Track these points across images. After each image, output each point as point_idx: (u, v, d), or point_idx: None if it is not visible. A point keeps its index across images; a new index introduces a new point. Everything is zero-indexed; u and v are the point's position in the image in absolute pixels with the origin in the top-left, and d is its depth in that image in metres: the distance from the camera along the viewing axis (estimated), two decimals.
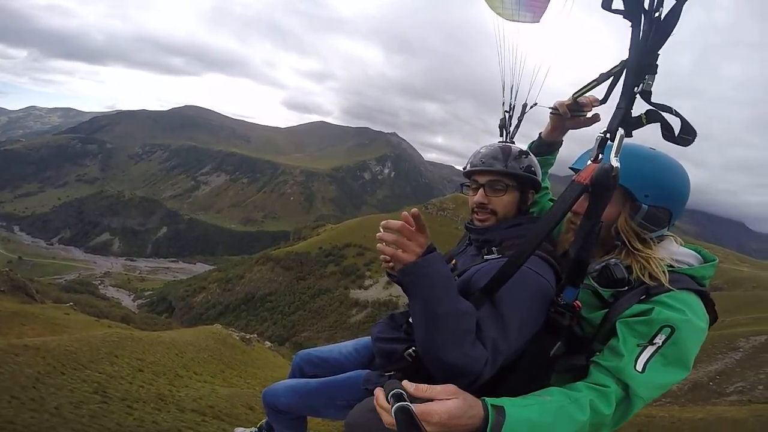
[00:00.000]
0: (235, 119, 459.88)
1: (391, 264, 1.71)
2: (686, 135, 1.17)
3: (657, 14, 1.09)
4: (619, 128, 1.16)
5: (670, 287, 1.23)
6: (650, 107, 1.19)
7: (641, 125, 1.19)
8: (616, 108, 1.20)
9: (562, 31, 1.91)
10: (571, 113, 1.67)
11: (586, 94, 1.60)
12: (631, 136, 1.19)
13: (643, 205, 1.34)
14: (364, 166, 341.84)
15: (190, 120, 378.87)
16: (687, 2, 1.06)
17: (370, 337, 1.89)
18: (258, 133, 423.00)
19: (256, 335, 27.18)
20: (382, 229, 1.17)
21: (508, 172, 1.58)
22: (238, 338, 21.19)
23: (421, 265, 1.14)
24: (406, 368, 1.47)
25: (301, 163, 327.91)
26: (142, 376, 8.36)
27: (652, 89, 1.16)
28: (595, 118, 1.67)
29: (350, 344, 2.06)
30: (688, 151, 1.40)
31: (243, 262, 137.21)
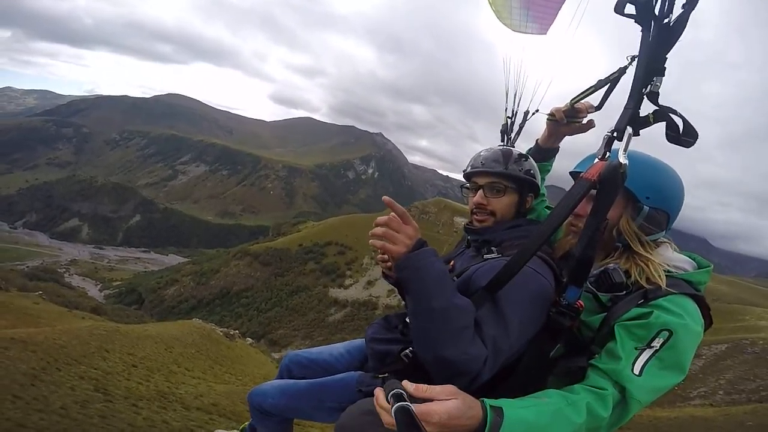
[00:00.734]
0: (220, 110, 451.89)
1: (389, 264, 1.72)
2: (688, 137, 1.19)
3: (666, 20, 1.11)
4: (628, 127, 1.17)
5: (669, 291, 1.24)
6: (657, 108, 1.21)
7: (649, 124, 1.22)
8: (624, 108, 1.22)
9: (567, 43, 1.94)
10: (567, 119, 1.69)
11: (582, 101, 1.63)
12: (638, 135, 1.22)
13: (645, 206, 1.38)
14: (348, 164, 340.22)
15: (172, 108, 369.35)
16: (693, 12, 1.08)
17: (362, 340, 1.86)
18: (242, 126, 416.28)
19: (238, 332, 26.98)
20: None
21: (508, 174, 1.60)
22: (221, 333, 21.55)
23: (414, 258, 1.15)
24: (401, 370, 1.44)
25: (283, 158, 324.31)
26: (137, 372, 8.27)
27: (659, 91, 1.18)
28: (590, 125, 1.70)
29: (341, 346, 2.00)
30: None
31: (219, 255, 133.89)
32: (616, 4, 1.20)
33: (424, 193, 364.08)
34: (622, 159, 1.13)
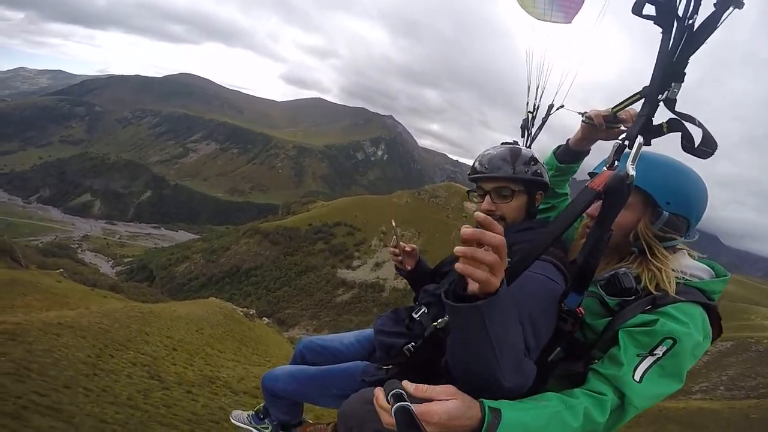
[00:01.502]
0: (231, 89, 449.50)
1: (400, 258, 1.84)
2: (706, 147, 1.14)
3: (691, 21, 1.07)
4: (639, 136, 1.13)
5: (677, 298, 1.23)
6: (673, 116, 1.17)
7: (662, 134, 1.18)
8: (638, 115, 1.18)
9: (593, 33, 1.88)
10: (607, 125, 1.56)
11: (627, 109, 1.50)
12: (650, 145, 1.18)
13: (664, 211, 1.34)
14: (357, 145, 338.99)
15: (183, 87, 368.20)
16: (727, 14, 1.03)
17: (372, 330, 1.86)
18: (253, 105, 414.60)
19: (254, 311, 27.26)
20: (461, 242, 0.95)
21: (515, 178, 1.55)
22: (242, 314, 21.81)
23: (504, 296, 1.01)
24: (404, 363, 1.46)
25: (294, 137, 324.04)
26: (179, 356, 8.51)
27: (677, 98, 1.14)
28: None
29: (353, 335, 2.03)
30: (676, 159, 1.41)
31: (229, 233, 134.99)
32: (634, 5, 1.16)
33: (433, 177, 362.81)
34: (630, 170, 1.09)
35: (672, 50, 1.11)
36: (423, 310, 1.59)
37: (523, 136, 2.25)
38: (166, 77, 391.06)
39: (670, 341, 1.16)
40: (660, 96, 1.14)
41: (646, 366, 1.17)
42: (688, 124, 1.17)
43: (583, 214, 1.39)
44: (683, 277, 1.32)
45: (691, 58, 1.10)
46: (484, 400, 1.02)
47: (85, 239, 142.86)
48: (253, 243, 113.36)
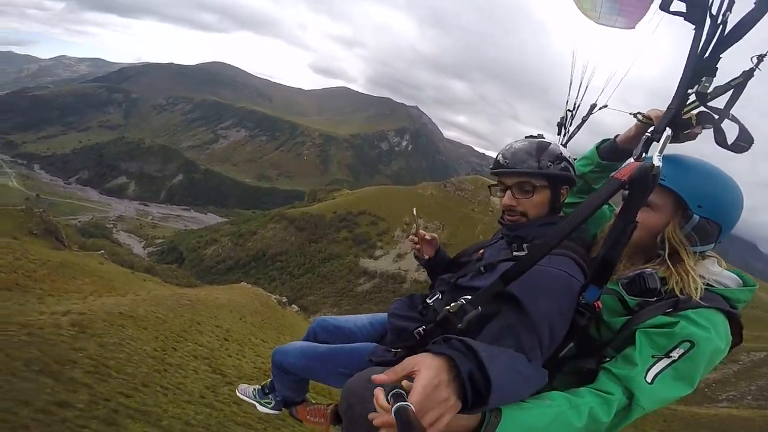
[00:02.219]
0: (260, 78, 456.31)
1: (418, 246, 1.86)
2: (743, 142, 1.10)
3: (724, 18, 1.04)
4: (666, 128, 1.11)
5: (700, 303, 1.20)
6: (703, 109, 1.14)
7: (691, 127, 1.15)
8: (667, 108, 1.15)
9: (650, 35, 1.82)
10: None
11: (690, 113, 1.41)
12: (678, 140, 1.17)
13: (695, 215, 1.29)
14: (382, 135, 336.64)
15: (215, 76, 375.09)
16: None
17: (385, 314, 1.86)
18: (281, 94, 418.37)
19: (286, 299, 28.36)
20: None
21: (538, 173, 1.47)
22: (275, 301, 22.36)
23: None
24: (413, 346, 1.44)
25: (320, 126, 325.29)
26: (231, 347, 8.65)
27: (708, 92, 1.11)
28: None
29: (366, 318, 2.01)
30: (716, 158, 1.35)
31: (256, 217, 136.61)
32: (662, 1, 1.13)
33: (458, 169, 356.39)
34: (656, 161, 1.07)
35: (704, 46, 1.08)
36: (437, 296, 1.57)
37: (559, 134, 2.18)
38: (198, 65, 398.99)
39: (688, 344, 1.14)
40: (690, 90, 1.11)
41: (660, 368, 1.14)
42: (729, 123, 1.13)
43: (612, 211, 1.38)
44: (708, 284, 1.29)
45: (725, 54, 1.07)
46: None
47: (120, 219, 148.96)
48: (280, 228, 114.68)
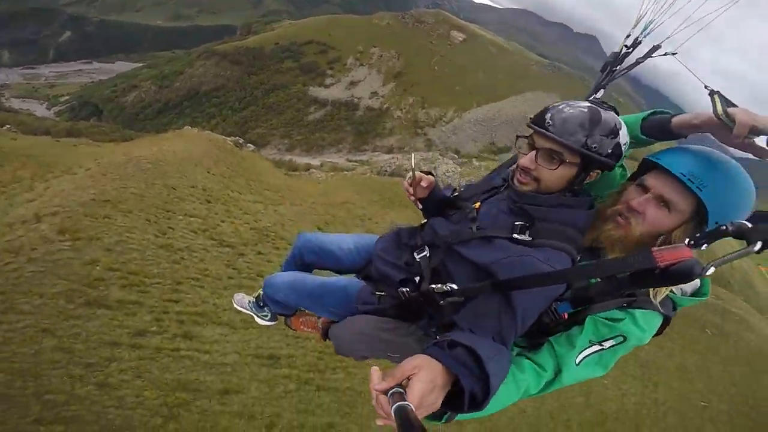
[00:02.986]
0: None
1: (412, 192, 1.72)
2: None
3: None
4: (759, 243, 0.88)
5: (649, 305, 1.24)
6: None
7: (752, 245, 0.90)
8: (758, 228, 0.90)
9: None
10: (748, 135, 1.09)
11: None
12: (738, 258, 0.92)
13: (707, 229, 1.17)
14: None
15: None
16: None
17: (371, 238, 1.89)
18: None
19: (239, 138, 26.75)
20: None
21: (578, 151, 1.26)
22: (231, 144, 21.15)
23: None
24: (396, 305, 1.51)
25: None
26: (218, 209, 8.92)
27: None
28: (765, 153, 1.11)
29: (351, 241, 1.95)
30: None
31: (179, 57, 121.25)
32: None
33: (417, 1, 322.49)
34: (709, 272, 0.90)
35: None
36: (425, 253, 1.50)
37: (602, 72, 1.79)
38: None
39: (621, 338, 1.21)
40: None
41: (589, 353, 1.22)
42: None
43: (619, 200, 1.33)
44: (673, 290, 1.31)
45: None
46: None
47: (5, 88, 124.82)
48: (211, 65, 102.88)
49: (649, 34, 1.69)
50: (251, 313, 2.35)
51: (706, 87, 1.20)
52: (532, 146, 1.34)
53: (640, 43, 1.71)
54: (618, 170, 1.48)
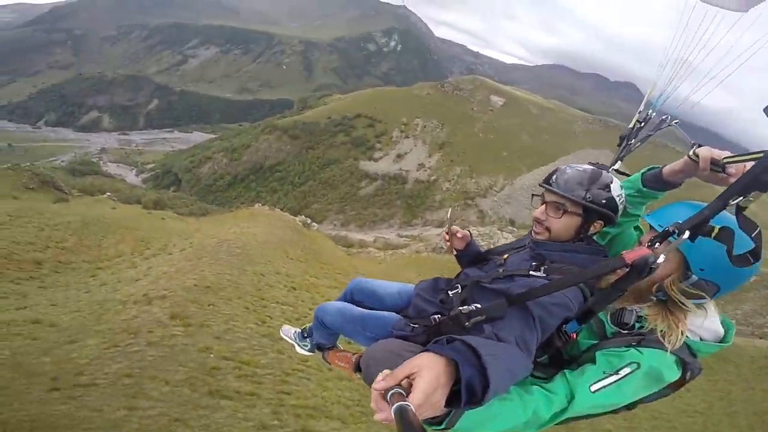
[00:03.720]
0: None
1: (449, 242, 2.07)
2: (750, 258, 1.21)
3: None
4: (687, 231, 1.13)
5: (656, 344, 1.32)
6: (726, 226, 1.18)
7: (708, 237, 1.18)
8: (699, 210, 1.16)
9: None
10: (711, 167, 1.34)
11: (740, 164, 1.29)
12: (693, 242, 1.17)
13: (694, 276, 1.35)
14: (368, 37, 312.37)
15: None
16: None
17: (412, 286, 2.05)
18: (246, 4, 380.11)
19: (309, 219, 28.12)
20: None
21: (573, 200, 1.58)
22: (300, 223, 22.82)
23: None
24: (427, 329, 1.59)
25: (298, 33, 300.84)
26: (302, 296, 9.27)
27: (749, 206, 1.11)
28: (727, 182, 1.34)
29: (396, 287, 2.18)
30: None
31: (246, 130, 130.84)
32: (766, 107, 1.10)
33: (451, 68, 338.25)
34: (660, 258, 1.12)
35: None
36: (457, 290, 1.70)
37: (619, 146, 2.06)
38: None
39: (636, 365, 1.28)
40: (731, 201, 1.11)
41: (608, 383, 1.27)
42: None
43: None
44: (688, 335, 1.36)
45: None
46: None
47: (104, 152, 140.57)
48: (273, 139, 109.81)
49: (655, 113, 1.97)
50: (293, 342, 2.58)
51: (691, 142, 1.42)
52: (542, 201, 1.67)
53: (650, 118, 1.97)
54: (635, 232, 1.75)
